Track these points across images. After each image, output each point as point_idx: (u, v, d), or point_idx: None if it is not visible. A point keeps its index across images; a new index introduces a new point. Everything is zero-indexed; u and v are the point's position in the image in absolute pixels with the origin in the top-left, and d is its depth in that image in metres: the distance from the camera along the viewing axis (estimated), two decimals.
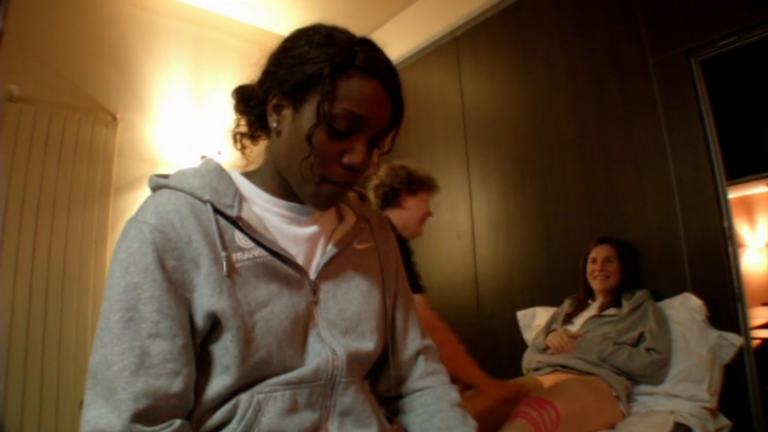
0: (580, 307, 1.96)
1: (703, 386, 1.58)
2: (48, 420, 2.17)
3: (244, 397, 0.64)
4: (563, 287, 2.17)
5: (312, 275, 0.73)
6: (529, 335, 2.22)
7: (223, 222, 0.67)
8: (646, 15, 2.01)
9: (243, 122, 0.77)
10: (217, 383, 0.64)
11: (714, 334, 1.67)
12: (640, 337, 1.69)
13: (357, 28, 0.72)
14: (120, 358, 0.58)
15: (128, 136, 2.67)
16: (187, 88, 2.92)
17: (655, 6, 1.99)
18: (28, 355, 2.19)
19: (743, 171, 1.98)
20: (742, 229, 3.68)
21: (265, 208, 0.73)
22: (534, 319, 2.25)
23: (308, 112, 0.65)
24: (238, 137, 0.78)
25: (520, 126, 2.50)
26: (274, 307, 0.67)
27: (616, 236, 1.99)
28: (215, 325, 0.64)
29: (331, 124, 0.64)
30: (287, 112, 0.68)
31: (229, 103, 0.79)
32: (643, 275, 1.95)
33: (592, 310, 1.90)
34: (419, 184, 1.76)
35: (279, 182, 0.74)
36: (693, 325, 1.69)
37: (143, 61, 2.79)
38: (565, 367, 1.71)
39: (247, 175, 0.77)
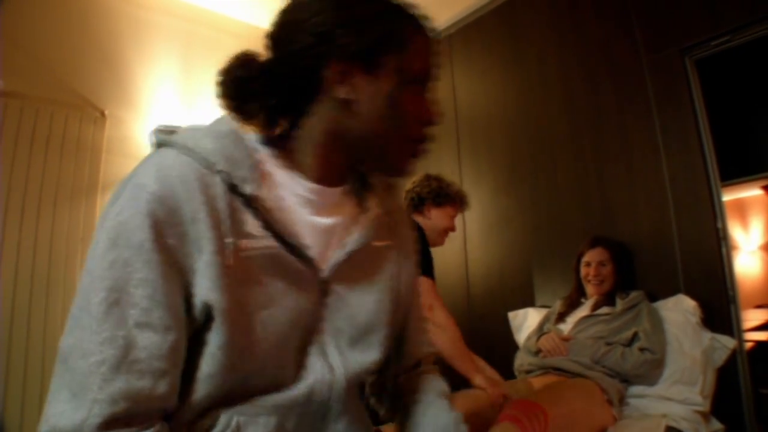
0: (572, 306, 1.94)
1: (696, 389, 1.56)
2: (31, 419, 2.13)
3: (223, 418, 0.56)
4: (555, 288, 2.15)
5: (325, 273, 0.63)
6: (520, 336, 2.19)
7: (234, 200, 0.55)
8: (640, 14, 1.99)
9: (256, 106, 0.62)
10: (200, 391, 0.55)
11: (707, 336, 1.65)
12: (634, 337, 1.67)
13: None
14: (99, 348, 0.48)
15: (116, 132, 2.63)
16: (176, 84, 2.88)
17: (649, 4, 1.97)
18: (11, 352, 2.15)
19: (737, 173, 1.97)
20: (735, 231, 3.68)
21: (282, 186, 0.61)
22: (526, 320, 2.22)
23: (389, 73, 0.60)
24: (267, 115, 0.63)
25: (512, 125, 2.48)
26: (276, 309, 0.57)
27: (609, 236, 1.96)
28: (206, 324, 0.54)
29: (415, 83, 0.62)
30: (358, 79, 0.59)
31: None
32: (636, 276, 1.92)
33: (585, 309, 1.88)
34: (446, 198, 1.81)
35: (322, 162, 0.62)
36: (687, 327, 1.67)
37: (133, 56, 2.75)
38: (557, 370, 1.69)
39: (268, 141, 0.63)
